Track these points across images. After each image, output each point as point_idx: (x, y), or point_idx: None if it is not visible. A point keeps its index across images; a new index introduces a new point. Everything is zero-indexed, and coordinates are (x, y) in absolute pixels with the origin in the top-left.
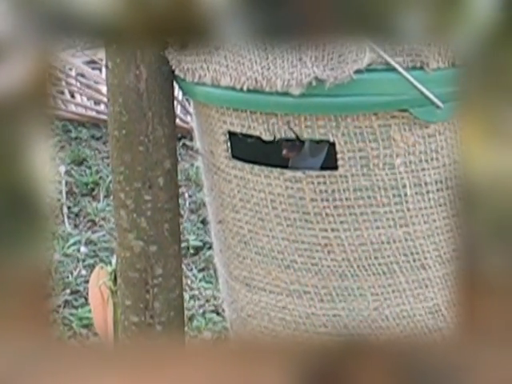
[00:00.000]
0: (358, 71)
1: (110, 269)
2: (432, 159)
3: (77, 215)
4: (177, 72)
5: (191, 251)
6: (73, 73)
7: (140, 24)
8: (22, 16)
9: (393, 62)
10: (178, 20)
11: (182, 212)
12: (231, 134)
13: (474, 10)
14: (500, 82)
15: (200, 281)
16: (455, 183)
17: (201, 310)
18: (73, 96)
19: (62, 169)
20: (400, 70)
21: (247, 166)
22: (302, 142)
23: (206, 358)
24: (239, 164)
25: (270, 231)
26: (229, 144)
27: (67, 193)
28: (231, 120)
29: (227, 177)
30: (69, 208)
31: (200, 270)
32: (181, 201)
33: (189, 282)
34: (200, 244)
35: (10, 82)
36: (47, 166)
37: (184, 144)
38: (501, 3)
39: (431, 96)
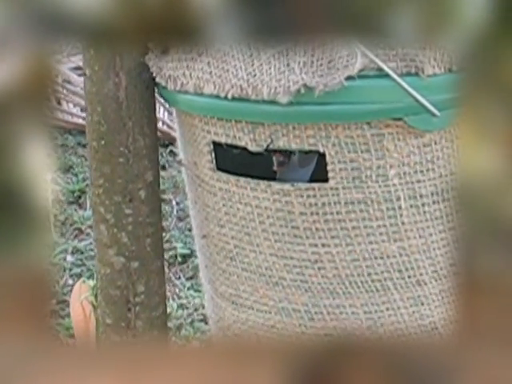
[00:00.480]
0: (349, 78)
1: (92, 283)
2: (428, 170)
3: (63, 223)
4: (158, 79)
5: (179, 259)
6: (59, 79)
7: (130, 23)
8: (11, 15)
9: (386, 68)
10: (169, 19)
11: (170, 219)
12: (215, 145)
13: (465, 10)
14: (491, 83)
15: (188, 289)
16: (452, 194)
17: (189, 319)
18: (59, 103)
19: (48, 176)
20: (394, 76)
21: (232, 178)
22: (291, 153)
23: (195, 359)
24: (224, 176)
25: (257, 246)
26: (213, 155)
27: (53, 201)
28: (215, 130)
29: (212, 189)
30: (55, 216)
31: (188, 279)
32: (168, 208)
33: (177, 290)
34: (188, 252)
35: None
36: (42, 167)
37: (171, 151)
38: (492, 4)
39: (427, 103)
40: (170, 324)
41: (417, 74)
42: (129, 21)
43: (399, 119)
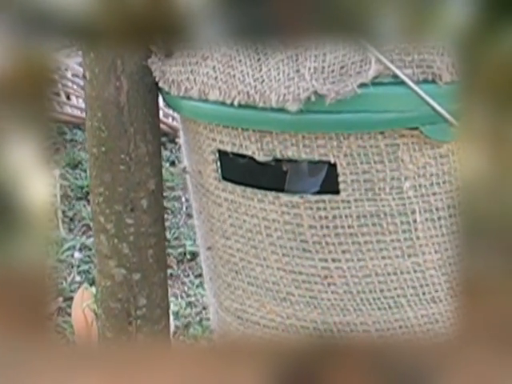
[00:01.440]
0: (362, 85)
1: (94, 290)
2: (444, 182)
3: (71, 219)
4: (161, 84)
5: (188, 257)
6: (68, 74)
7: (115, 23)
8: None
9: (401, 75)
10: (155, 19)
11: (179, 216)
12: (221, 153)
13: (450, 10)
14: (477, 83)
15: (197, 287)
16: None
17: (197, 318)
18: (68, 98)
19: (57, 172)
20: (409, 83)
21: (239, 189)
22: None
23: (181, 359)
24: (230, 186)
25: (263, 260)
26: (218, 164)
27: (62, 196)
28: (221, 138)
29: (217, 200)
30: (63, 212)
31: (197, 276)
32: (177, 205)
33: (185, 288)
34: (197, 249)
35: None
36: (36, 165)
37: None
38: (479, 4)
39: (444, 112)
40: (177, 322)
41: (434, 82)
42: (112, 19)
43: (415, 129)
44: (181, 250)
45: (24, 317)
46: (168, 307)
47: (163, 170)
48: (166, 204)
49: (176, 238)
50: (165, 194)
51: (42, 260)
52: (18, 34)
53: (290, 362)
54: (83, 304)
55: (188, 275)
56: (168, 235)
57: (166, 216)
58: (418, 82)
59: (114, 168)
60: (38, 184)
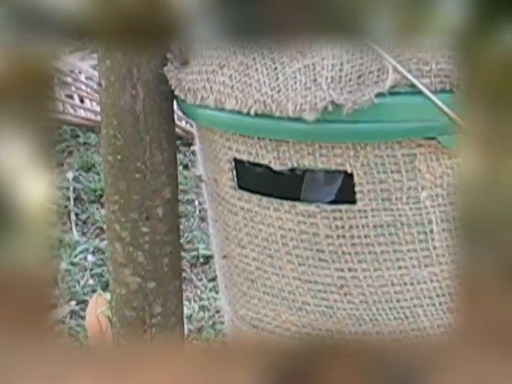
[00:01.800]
0: (379, 94)
1: (109, 296)
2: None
3: (85, 222)
4: (177, 92)
5: (201, 260)
6: (82, 77)
7: (108, 22)
8: None
9: (419, 84)
10: (147, 19)
11: (192, 220)
12: (237, 162)
13: (445, 10)
14: (471, 83)
15: (210, 291)
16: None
17: (210, 322)
18: (82, 101)
19: (70, 175)
20: (427, 93)
21: (255, 198)
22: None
23: (174, 359)
24: (246, 195)
25: (279, 269)
26: (234, 173)
27: (75, 199)
28: (237, 146)
29: (233, 208)
30: (76, 215)
31: (210, 280)
32: (191, 208)
33: (198, 292)
34: (210, 253)
35: None
36: (33, 169)
37: (194, 150)
38: (473, 3)
39: (461, 122)
40: (190, 326)
41: (451, 91)
42: (106, 19)
43: (432, 138)
44: (194, 253)
45: (20, 318)
46: (183, 315)
47: None
48: (179, 207)
49: (189, 242)
50: (178, 198)
51: (40, 261)
52: (12, 33)
53: (284, 362)
54: (97, 310)
55: (201, 279)
56: (181, 239)
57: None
58: (435, 92)
59: (129, 176)
60: (34, 185)
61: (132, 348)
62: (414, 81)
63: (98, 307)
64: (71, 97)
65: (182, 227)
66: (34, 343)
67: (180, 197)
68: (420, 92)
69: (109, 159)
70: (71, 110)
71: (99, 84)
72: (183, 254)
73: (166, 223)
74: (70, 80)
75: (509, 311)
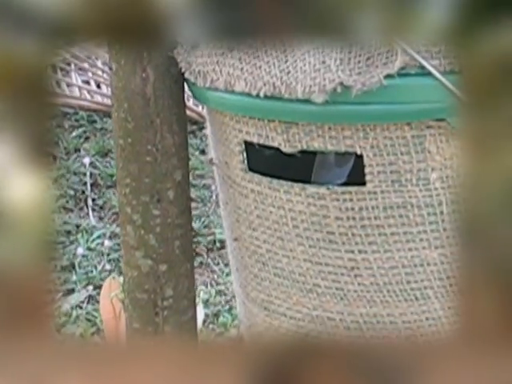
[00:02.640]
0: (388, 76)
1: (122, 280)
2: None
3: (101, 207)
4: (187, 75)
5: (217, 245)
6: (99, 63)
7: (92, 19)
8: None
9: (428, 66)
10: (132, 17)
11: (209, 205)
12: (247, 144)
13: (432, 10)
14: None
15: (227, 275)
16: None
17: (227, 306)
18: (99, 86)
19: (87, 160)
20: (436, 74)
21: (265, 180)
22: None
23: (159, 358)
24: (256, 177)
25: (290, 251)
26: (245, 155)
27: (92, 185)
28: (247, 129)
29: (243, 191)
30: (93, 200)
31: (226, 265)
32: (207, 193)
33: (215, 276)
34: None
35: None
36: (22, 168)
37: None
38: (460, 4)
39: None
40: (207, 311)
41: (461, 72)
42: (91, 17)
43: (442, 120)
44: (210, 238)
45: (9, 319)
46: (195, 298)
47: (193, 159)
48: (195, 192)
49: (206, 227)
50: (194, 183)
51: (30, 261)
52: None
53: (270, 362)
54: (111, 294)
55: (218, 263)
56: (198, 224)
57: (195, 204)
58: (444, 73)
59: (140, 159)
60: (23, 185)
61: (117, 349)
62: (423, 62)
63: (112, 291)
64: (88, 82)
65: (198, 212)
66: (22, 344)
67: (196, 182)
68: (429, 73)
69: (120, 142)
70: (88, 96)
71: (110, 67)
72: (200, 238)
73: (177, 206)
74: (86, 66)
75: (499, 312)
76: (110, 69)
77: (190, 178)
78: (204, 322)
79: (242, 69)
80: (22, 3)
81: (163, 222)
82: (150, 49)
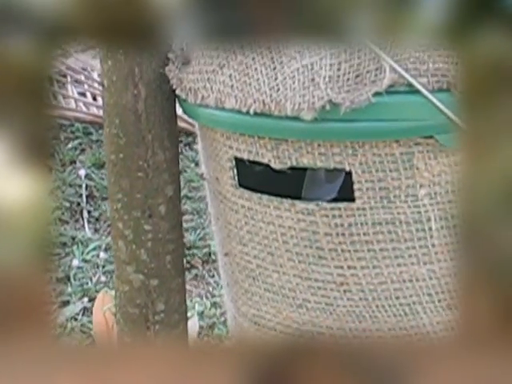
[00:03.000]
0: (377, 94)
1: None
2: (460, 190)
3: (97, 219)
4: (178, 92)
5: (213, 257)
6: (95, 75)
7: (90, 22)
8: None
9: (416, 84)
10: (127, 18)
11: (204, 217)
12: (238, 161)
13: (425, 10)
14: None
15: (222, 288)
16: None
17: (222, 318)
18: (94, 98)
19: (83, 172)
20: (424, 92)
21: (255, 196)
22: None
23: (152, 359)
24: (246, 193)
25: (280, 267)
26: (235, 171)
27: (87, 197)
28: (237, 145)
29: (234, 206)
30: (89, 212)
31: None
32: (202, 205)
33: (210, 288)
34: None
35: None
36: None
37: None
38: (453, 5)
39: (459, 121)
40: (202, 323)
41: (448, 90)
42: (85, 18)
43: (430, 137)
44: (206, 250)
45: (5, 320)
46: (186, 312)
47: (188, 171)
48: (191, 205)
49: (201, 239)
50: (190, 195)
51: (27, 263)
52: None
53: (264, 362)
54: (104, 307)
55: (213, 275)
56: (193, 236)
57: (191, 217)
58: (432, 91)
59: (131, 174)
60: (16, 186)
61: (111, 350)
62: (412, 80)
63: (105, 304)
64: (84, 94)
65: (193, 224)
66: (15, 346)
67: (192, 194)
68: (417, 91)
69: (112, 158)
70: (84, 108)
71: (101, 84)
72: (195, 251)
73: (168, 221)
74: (82, 78)
75: (495, 312)
76: (102, 85)
77: (186, 190)
78: (199, 333)
79: (232, 86)
80: (17, 4)
81: (154, 237)
82: (144, 50)
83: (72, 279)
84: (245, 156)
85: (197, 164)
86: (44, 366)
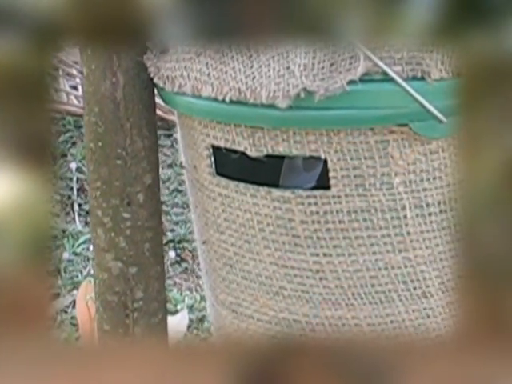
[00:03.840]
0: (351, 82)
1: None
2: (434, 178)
3: (88, 213)
4: (156, 80)
5: None
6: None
7: (80, 21)
8: None
9: (390, 72)
10: (117, 17)
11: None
12: (215, 149)
13: (415, 10)
14: None
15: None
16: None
17: None
18: None
19: (74, 165)
20: (398, 80)
21: (232, 184)
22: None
23: (140, 360)
24: (223, 181)
25: (256, 254)
26: (212, 159)
27: (78, 190)
28: (214, 133)
29: (211, 194)
30: (80, 205)
31: None
32: None
33: (200, 282)
34: None
35: None
36: None
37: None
38: (443, 5)
39: (433, 109)
40: (192, 316)
41: (423, 79)
42: (77, 17)
43: (404, 125)
44: (195, 244)
45: None
46: (165, 300)
47: (177, 164)
48: (181, 198)
49: (191, 232)
50: (180, 188)
51: (19, 263)
52: None
53: (253, 362)
54: (86, 297)
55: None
56: (183, 229)
57: (181, 210)
58: (407, 79)
59: (110, 163)
60: (8, 186)
61: (100, 349)
62: (386, 68)
63: (88, 293)
64: (75, 88)
65: (183, 218)
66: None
67: (182, 187)
68: (392, 79)
69: (90, 146)
70: (75, 101)
71: (81, 72)
72: (185, 244)
73: (147, 209)
74: (74, 71)
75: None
76: (81, 73)
77: (176, 184)
78: (189, 327)
79: (208, 74)
80: (6, 3)
81: (133, 225)
82: (131, 48)
83: (62, 272)
84: (221, 144)
85: (179, 163)
86: (33, 367)
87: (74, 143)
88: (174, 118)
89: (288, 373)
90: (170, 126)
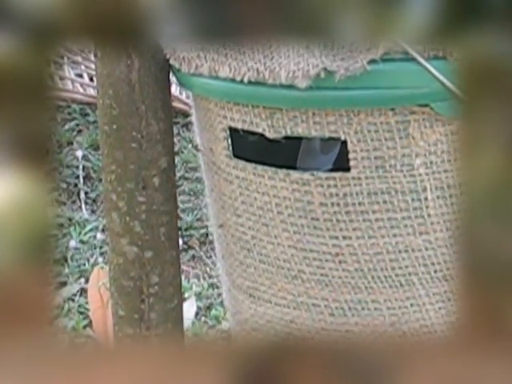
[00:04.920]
0: (372, 61)
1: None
2: (456, 160)
3: (94, 201)
4: (172, 61)
5: (210, 238)
6: (92, 56)
7: (77, 20)
8: None
9: (412, 51)
10: (115, 17)
11: (201, 197)
12: (232, 131)
13: (413, 11)
14: None
15: (219, 268)
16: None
17: (219, 299)
18: (92, 79)
19: (80, 153)
20: (420, 59)
21: (249, 166)
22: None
23: (137, 358)
24: (241, 163)
25: (275, 238)
26: (229, 141)
27: (84, 178)
28: (232, 115)
29: (228, 177)
30: (86, 193)
31: None
32: (200, 186)
33: (207, 269)
34: None
35: None
36: None
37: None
38: (440, 6)
39: (454, 89)
40: (200, 303)
41: (444, 58)
42: (74, 16)
43: (426, 105)
44: (203, 231)
45: None
46: (180, 285)
47: (186, 151)
48: (188, 185)
49: (198, 220)
50: (187, 175)
51: (16, 262)
52: None
53: (250, 361)
54: (99, 283)
55: (210, 256)
56: (190, 217)
57: (188, 197)
58: (428, 59)
59: (125, 146)
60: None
61: (94, 349)
62: (407, 47)
63: (100, 280)
64: (81, 75)
65: (191, 205)
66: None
67: (189, 175)
68: (413, 59)
69: (105, 129)
70: (81, 89)
71: (95, 54)
72: (192, 231)
73: (162, 193)
74: (79, 59)
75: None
76: (95, 56)
77: (183, 171)
78: (196, 314)
79: (226, 54)
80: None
81: (148, 209)
82: (133, 48)
83: (69, 260)
84: (239, 125)
85: (196, 147)
86: (32, 367)
87: (79, 131)
88: (179, 105)
89: (287, 373)
90: (176, 113)
